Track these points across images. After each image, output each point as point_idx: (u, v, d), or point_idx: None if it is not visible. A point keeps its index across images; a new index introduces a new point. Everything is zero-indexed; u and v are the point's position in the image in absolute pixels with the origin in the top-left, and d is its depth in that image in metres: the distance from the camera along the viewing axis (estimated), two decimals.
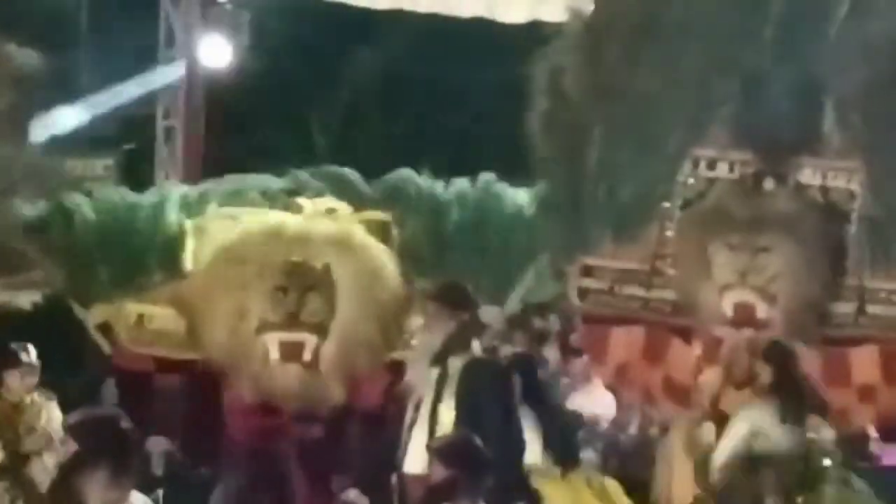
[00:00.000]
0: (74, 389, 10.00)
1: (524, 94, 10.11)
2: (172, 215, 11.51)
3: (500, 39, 14.45)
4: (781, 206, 9.90)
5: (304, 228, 9.47)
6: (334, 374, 9.13)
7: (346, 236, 9.41)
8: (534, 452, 8.40)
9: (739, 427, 8.35)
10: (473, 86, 17.64)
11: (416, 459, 7.53)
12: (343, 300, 9.22)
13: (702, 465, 8.58)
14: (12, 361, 9.56)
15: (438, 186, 12.08)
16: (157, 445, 9.98)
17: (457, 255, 11.55)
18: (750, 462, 7.92)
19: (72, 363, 10.71)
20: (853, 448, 9.24)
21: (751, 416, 8.40)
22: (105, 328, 10.86)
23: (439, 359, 7.84)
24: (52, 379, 9.74)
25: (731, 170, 10.09)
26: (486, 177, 12.11)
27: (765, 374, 8.64)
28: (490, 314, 9.63)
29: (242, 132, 18.57)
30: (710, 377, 9.30)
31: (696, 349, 9.90)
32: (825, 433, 8.29)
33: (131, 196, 12.16)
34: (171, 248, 10.62)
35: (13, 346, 9.63)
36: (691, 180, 10.11)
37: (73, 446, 5.33)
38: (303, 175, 11.85)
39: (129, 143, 16.26)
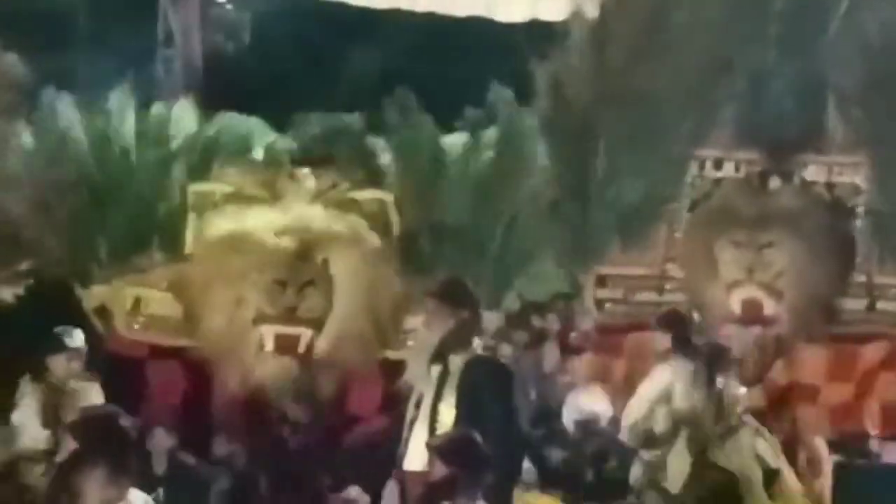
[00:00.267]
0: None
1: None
2: (176, 172, 11.49)
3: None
4: (785, 203, 9.95)
5: (306, 222, 9.45)
6: (326, 368, 9.13)
7: (346, 231, 9.38)
8: None
9: (650, 386, 8.67)
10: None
11: (416, 457, 7.47)
12: (340, 294, 9.23)
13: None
14: (57, 345, 9.53)
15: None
16: (160, 444, 9.92)
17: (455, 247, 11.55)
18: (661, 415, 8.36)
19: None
20: (853, 446, 9.27)
21: (661, 376, 8.65)
22: (101, 311, 10.77)
23: (440, 356, 7.79)
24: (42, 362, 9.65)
25: (737, 169, 10.15)
26: None
27: (664, 339, 8.88)
28: (488, 318, 9.61)
29: None
30: None
31: None
32: (735, 388, 8.43)
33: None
34: (172, 224, 10.60)
35: (58, 329, 9.62)
36: (698, 181, 10.15)
37: (72, 444, 5.34)
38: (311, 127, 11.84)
39: None
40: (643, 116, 10.07)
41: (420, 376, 7.74)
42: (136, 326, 10.44)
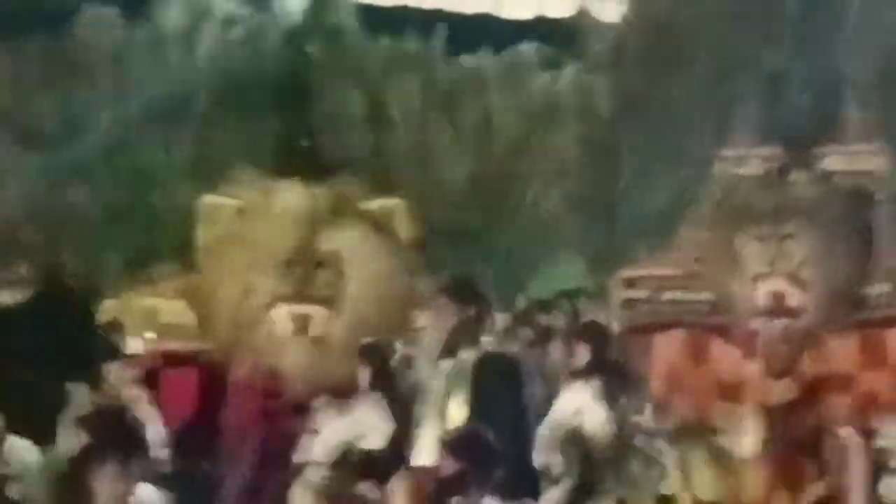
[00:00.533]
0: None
1: None
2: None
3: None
4: (803, 193, 9.92)
5: (315, 229, 9.37)
6: (343, 350, 8.96)
7: (357, 236, 9.31)
8: None
9: (563, 403, 8.36)
10: None
11: (426, 452, 7.41)
12: (351, 280, 9.06)
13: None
14: (112, 353, 9.48)
15: None
16: (163, 443, 9.86)
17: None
18: (572, 437, 8.05)
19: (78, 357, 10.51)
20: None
21: (575, 394, 8.40)
22: (114, 326, 10.74)
23: (449, 352, 7.74)
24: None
25: (759, 165, 10.15)
26: None
27: (583, 353, 8.66)
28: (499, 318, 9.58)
29: None
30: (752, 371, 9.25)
31: (735, 345, 9.89)
32: (645, 411, 8.36)
33: None
34: (183, 237, 10.60)
35: (112, 338, 9.61)
36: (722, 180, 10.18)
37: (83, 439, 5.37)
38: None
39: None
40: (665, 120, 10.10)
41: (428, 372, 7.71)
42: (150, 336, 10.41)
